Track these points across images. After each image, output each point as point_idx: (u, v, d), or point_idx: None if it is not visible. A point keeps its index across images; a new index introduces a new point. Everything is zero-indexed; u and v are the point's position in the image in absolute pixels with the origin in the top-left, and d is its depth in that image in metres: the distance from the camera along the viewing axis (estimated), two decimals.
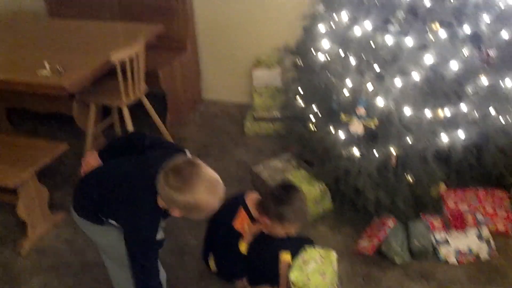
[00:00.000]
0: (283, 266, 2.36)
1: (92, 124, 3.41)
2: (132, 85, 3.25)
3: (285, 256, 2.36)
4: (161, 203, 1.89)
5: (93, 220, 2.08)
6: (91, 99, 3.37)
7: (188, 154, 2.09)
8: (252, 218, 2.38)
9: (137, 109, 3.50)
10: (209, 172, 1.85)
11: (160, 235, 1.95)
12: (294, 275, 2.30)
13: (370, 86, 2.56)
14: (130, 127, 3.35)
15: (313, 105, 3.01)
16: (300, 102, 3.14)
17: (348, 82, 2.65)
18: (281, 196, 2.30)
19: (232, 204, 2.37)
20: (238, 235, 2.35)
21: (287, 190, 2.34)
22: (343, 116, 2.66)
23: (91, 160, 2.18)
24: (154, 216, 1.92)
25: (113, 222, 2.02)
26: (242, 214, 2.35)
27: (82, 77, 3.01)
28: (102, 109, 3.59)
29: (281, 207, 2.27)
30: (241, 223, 2.34)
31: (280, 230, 2.33)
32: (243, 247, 2.37)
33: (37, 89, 3.00)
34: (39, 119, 4.09)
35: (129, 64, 3.12)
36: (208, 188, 1.81)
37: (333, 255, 2.40)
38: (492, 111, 2.58)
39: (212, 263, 2.47)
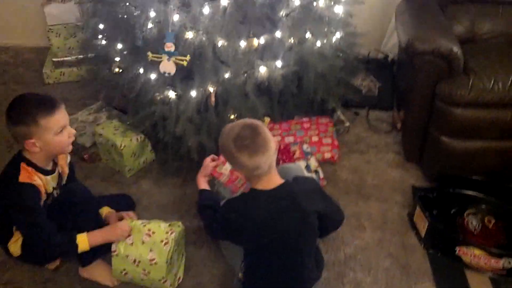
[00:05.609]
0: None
1: None
2: None
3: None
4: None
5: None
6: None
7: None
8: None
9: None
10: None
11: None
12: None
13: (176, 17, 2.23)
14: None
15: (117, 43, 2.58)
16: (101, 40, 2.69)
17: (152, 13, 2.28)
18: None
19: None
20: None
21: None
22: (150, 55, 2.30)
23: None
24: None
25: None
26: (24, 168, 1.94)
27: None
28: None
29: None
30: (29, 177, 1.93)
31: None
32: None
33: None
34: None
35: None
36: None
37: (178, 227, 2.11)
38: (308, 34, 2.41)
39: None
